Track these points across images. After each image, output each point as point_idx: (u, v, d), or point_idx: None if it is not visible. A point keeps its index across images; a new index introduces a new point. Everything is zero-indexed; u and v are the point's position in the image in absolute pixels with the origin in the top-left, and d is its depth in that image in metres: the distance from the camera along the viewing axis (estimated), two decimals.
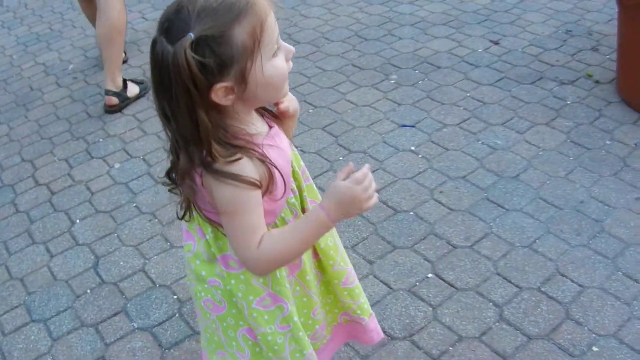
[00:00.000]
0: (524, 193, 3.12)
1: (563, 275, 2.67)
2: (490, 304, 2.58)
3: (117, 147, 3.88)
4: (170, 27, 1.33)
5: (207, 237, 1.63)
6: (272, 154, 1.50)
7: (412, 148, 3.51)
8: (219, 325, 1.75)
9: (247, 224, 1.48)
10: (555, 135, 3.50)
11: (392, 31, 4.83)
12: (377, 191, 1.52)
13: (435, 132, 3.63)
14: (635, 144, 3.38)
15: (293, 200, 1.67)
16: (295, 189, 1.69)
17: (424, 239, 2.93)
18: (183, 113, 1.35)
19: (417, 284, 2.70)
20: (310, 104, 4.00)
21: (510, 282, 2.66)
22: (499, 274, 2.70)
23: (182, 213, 1.62)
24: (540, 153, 3.37)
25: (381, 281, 2.74)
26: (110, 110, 4.24)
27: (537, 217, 2.97)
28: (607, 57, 4.18)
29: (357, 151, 3.53)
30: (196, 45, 1.29)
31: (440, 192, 3.19)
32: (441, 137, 3.59)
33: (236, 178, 1.41)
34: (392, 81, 4.17)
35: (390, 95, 4.01)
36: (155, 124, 3.98)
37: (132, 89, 4.35)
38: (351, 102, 3.98)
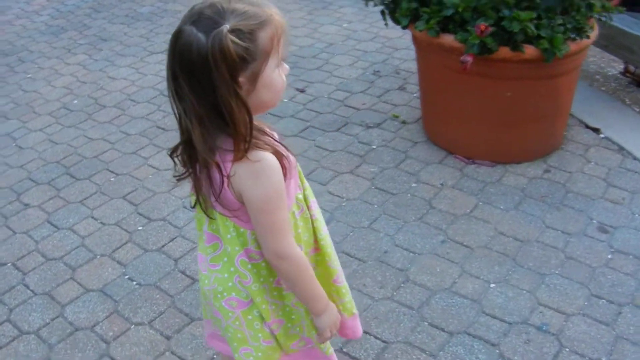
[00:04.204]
0: None
1: (366, 333, 2.57)
2: None
3: None
4: (201, 19, 1.45)
5: (230, 235, 1.71)
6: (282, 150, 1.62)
7: None
8: (243, 321, 1.80)
9: (284, 218, 1.62)
10: (359, 183, 3.42)
11: None
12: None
13: None
14: (442, 184, 3.34)
15: (300, 196, 1.75)
16: (301, 185, 1.77)
17: None
18: (211, 97, 1.46)
19: (215, 357, 2.53)
20: (112, 172, 3.75)
21: None
22: None
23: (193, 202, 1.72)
24: (343, 204, 3.27)
25: (178, 357, 2.55)
26: None
27: None
28: (414, 95, 4.18)
29: (156, 219, 3.31)
30: (231, 34, 1.42)
31: None
32: None
33: (273, 169, 1.55)
34: None
35: None
36: None
37: None
38: (153, 167, 3.77)
